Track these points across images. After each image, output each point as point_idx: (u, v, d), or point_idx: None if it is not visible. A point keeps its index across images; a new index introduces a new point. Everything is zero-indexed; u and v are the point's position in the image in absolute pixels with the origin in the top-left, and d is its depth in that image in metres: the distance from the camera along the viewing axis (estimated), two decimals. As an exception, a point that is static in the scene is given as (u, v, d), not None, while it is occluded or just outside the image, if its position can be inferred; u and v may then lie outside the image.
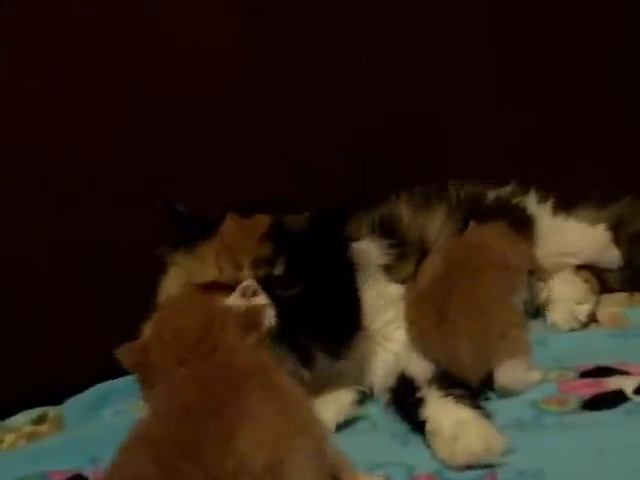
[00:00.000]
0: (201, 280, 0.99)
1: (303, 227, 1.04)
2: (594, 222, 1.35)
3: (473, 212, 1.26)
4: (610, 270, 1.33)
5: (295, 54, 1.36)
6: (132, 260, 1.23)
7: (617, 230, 1.35)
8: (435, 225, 1.25)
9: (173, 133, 1.30)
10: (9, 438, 1.14)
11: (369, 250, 1.13)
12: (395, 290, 1.14)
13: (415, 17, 1.41)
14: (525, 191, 1.35)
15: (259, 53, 1.34)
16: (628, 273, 1.33)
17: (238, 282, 0.98)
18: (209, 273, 0.99)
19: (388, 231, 1.22)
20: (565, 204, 1.37)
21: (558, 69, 1.46)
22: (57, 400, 1.20)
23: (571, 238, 1.33)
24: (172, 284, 1.03)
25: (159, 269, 1.07)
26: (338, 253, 1.05)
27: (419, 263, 1.18)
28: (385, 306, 1.11)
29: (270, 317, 0.96)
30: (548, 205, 1.35)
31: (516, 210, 1.31)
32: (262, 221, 1.03)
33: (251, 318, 0.86)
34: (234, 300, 0.95)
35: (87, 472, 1.00)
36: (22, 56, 1.22)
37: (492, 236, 1.16)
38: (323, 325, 0.99)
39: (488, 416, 0.94)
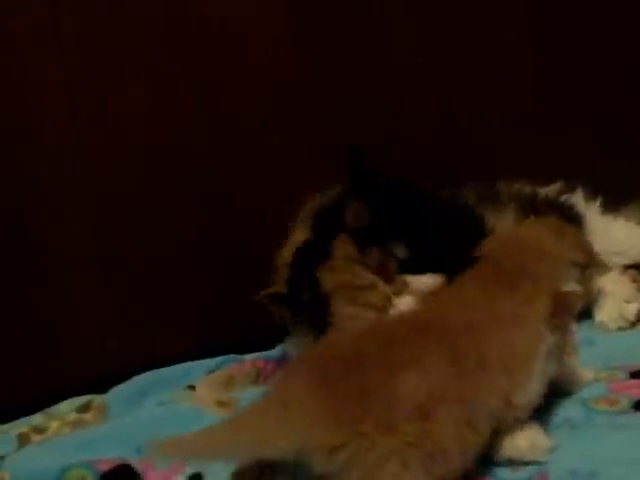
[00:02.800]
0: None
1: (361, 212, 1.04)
2: (641, 222, 1.34)
3: (526, 209, 1.25)
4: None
5: (337, 44, 1.36)
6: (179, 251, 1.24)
7: (667, 229, 1.34)
8: (491, 220, 1.22)
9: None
10: (54, 425, 1.14)
11: None
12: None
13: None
14: (571, 189, 1.33)
15: (302, 41, 1.34)
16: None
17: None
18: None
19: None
20: (610, 203, 1.36)
21: (605, 60, 1.45)
22: (101, 389, 1.21)
23: (620, 237, 1.31)
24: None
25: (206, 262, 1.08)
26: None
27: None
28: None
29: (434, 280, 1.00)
30: (596, 203, 1.33)
31: (565, 208, 1.30)
32: (343, 243, 1.03)
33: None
34: None
35: (133, 461, 1.00)
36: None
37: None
38: None
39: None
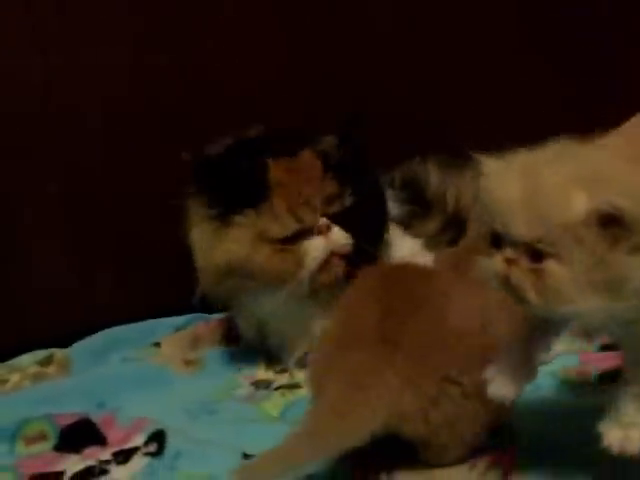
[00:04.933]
0: (280, 234, 0.99)
1: (338, 151, 1.04)
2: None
3: None
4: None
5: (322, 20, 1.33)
6: (146, 207, 1.21)
7: None
8: (469, 193, 1.20)
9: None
10: (14, 378, 1.12)
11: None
12: (411, 244, 1.13)
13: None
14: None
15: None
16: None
17: (319, 226, 1.01)
18: (290, 225, 0.99)
19: (411, 189, 1.20)
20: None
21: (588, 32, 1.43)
22: (64, 343, 1.18)
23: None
24: (239, 245, 1.00)
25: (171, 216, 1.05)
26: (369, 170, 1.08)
27: (445, 227, 1.16)
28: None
29: (344, 237, 1.01)
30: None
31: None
32: (309, 158, 1.02)
33: None
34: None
35: (93, 416, 0.98)
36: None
37: None
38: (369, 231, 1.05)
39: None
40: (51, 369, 1.13)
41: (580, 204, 0.60)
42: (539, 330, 0.72)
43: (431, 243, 1.14)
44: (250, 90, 1.27)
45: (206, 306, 1.13)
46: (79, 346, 1.18)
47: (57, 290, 1.23)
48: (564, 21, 1.41)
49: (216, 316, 1.21)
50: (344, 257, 1.02)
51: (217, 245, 1.01)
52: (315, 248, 1.00)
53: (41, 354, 1.16)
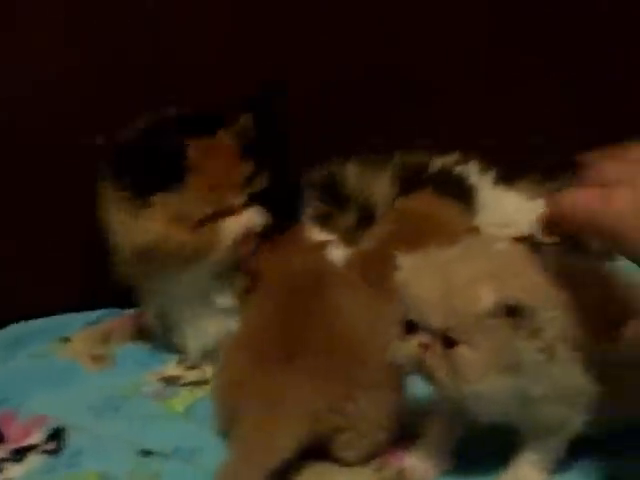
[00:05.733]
0: (197, 214, 0.99)
1: (255, 129, 1.04)
2: (534, 195, 1.36)
3: (416, 180, 1.25)
4: (547, 243, 1.33)
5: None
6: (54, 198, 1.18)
7: (556, 206, 1.36)
8: (381, 191, 1.23)
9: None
10: None
11: None
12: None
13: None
14: (467, 161, 1.34)
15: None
16: (563, 248, 1.33)
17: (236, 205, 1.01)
18: (208, 206, 1.00)
19: (329, 187, 1.21)
20: (507, 178, 1.37)
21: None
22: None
23: (510, 209, 1.32)
24: (157, 225, 0.99)
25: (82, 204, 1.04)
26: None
27: (360, 223, 1.18)
28: None
29: (260, 217, 1.02)
30: (490, 176, 1.34)
31: (458, 179, 1.30)
32: (226, 138, 1.02)
33: None
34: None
35: (-5, 412, 0.96)
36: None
37: None
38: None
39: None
40: (-45, 365, 1.11)
41: (487, 297, 0.69)
42: (450, 421, 0.80)
43: (347, 238, 1.16)
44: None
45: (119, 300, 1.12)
46: (-14, 341, 1.15)
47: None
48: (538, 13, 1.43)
49: (129, 312, 1.20)
50: (259, 235, 1.03)
51: (135, 226, 1.00)
52: (233, 227, 1.01)
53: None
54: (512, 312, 0.70)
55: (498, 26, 1.43)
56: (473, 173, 1.33)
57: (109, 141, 1.01)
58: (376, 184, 1.23)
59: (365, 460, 0.83)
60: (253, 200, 1.03)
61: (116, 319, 1.20)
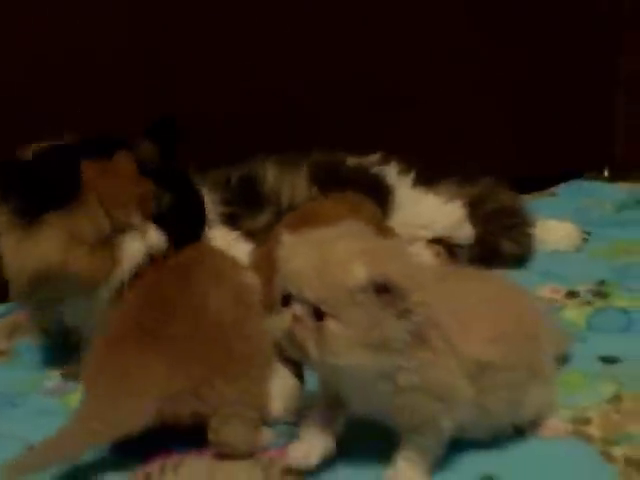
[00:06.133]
0: (93, 235, 0.97)
1: (154, 154, 1.04)
2: (452, 198, 1.37)
3: (331, 178, 1.25)
4: (462, 246, 1.35)
5: None
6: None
7: (474, 208, 1.37)
8: (297, 190, 1.23)
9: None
10: None
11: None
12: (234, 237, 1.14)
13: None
14: (387, 162, 1.35)
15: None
16: (479, 251, 1.35)
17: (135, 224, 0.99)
18: (104, 225, 0.97)
19: (246, 186, 1.21)
20: (428, 181, 1.39)
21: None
22: None
23: (427, 211, 1.33)
24: (52, 248, 0.96)
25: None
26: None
27: (276, 221, 1.16)
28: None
29: (160, 239, 1.00)
30: (409, 177, 1.35)
31: (374, 179, 1.31)
32: (125, 159, 1.01)
33: None
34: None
35: None
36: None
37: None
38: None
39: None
40: None
41: (360, 274, 0.72)
42: (331, 407, 0.82)
43: (262, 237, 1.15)
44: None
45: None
46: None
47: None
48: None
49: (37, 306, 1.18)
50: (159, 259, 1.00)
51: (28, 251, 0.97)
52: (131, 248, 0.99)
53: None
54: (382, 290, 0.72)
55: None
56: (392, 174, 1.34)
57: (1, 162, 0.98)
58: (293, 183, 1.23)
59: (242, 448, 0.84)
60: (155, 222, 1.01)
61: (23, 313, 1.17)
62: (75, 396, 0.98)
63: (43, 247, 0.96)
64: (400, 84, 1.50)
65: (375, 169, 1.32)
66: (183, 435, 0.86)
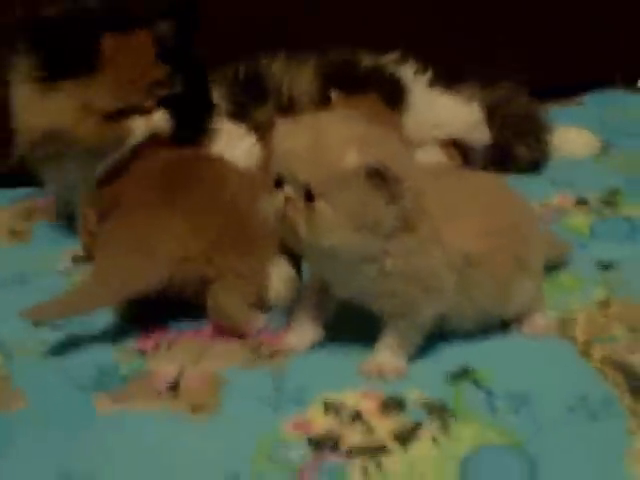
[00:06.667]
0: (106, 107, 1.00)
1: (171, 33, 1.04)
2: (470, 100, 1.36)
3: (343, 77, 1.25)
4: (476, 149, 1.35)
5: None
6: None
7: (491, 112, 1.36)
8: (302, 86, 1.23)
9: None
10: None
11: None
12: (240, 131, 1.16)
13: None
14: (404, 61, 1.33)
15: None
16: (493, 154, 1.35)
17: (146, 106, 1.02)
18: (116, 101, 1.00)
19: (253, 81, 1.21)
20: (447, 81, 1.37)
21: None
22: None
23: (442, 111, 1.32)
24: (64, 112, 1.00)
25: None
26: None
27: (278, 114, 1.15)
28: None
29: (165, 121, 1.03)
30: (425, 77, 1.33)
31: (390, 79, 1.30)
32: (144, 38, 1.02)
33: None
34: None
35: None
36: None
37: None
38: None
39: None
40: None
41: (352, 158, 0.73)
42: (320, 294, 0.85)
43: (264, 128, 1.15)
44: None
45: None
46: None
47: None
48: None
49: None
50: (163, 142, 1.03)
51: (41, 109, 1.01)
52: (137, 127, 1.02)
53: None
54: (374, 175, 0.73)
55: None
56: (408, 73, 1.33)
57: (30, 15, 1.00)
58: (298, 79, 1.22)
59: (236, 318, 0.89)
60: (162, 104, 1.03)
61: (40, 199, 1.22)
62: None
63: (56, 110, 1.00)
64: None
65: (391, 68, 1.31)
66: (184, 311, 0.91)
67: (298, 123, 0.78)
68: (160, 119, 1.03)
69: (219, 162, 1.01)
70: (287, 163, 0.76)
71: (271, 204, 0.77)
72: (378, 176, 0.73)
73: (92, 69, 1.00)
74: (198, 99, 1.08)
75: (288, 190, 0.76)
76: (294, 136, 0.77)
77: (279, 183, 0.77)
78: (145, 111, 1.02)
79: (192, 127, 1.06)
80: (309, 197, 0.75)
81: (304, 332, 0.85)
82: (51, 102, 1.00)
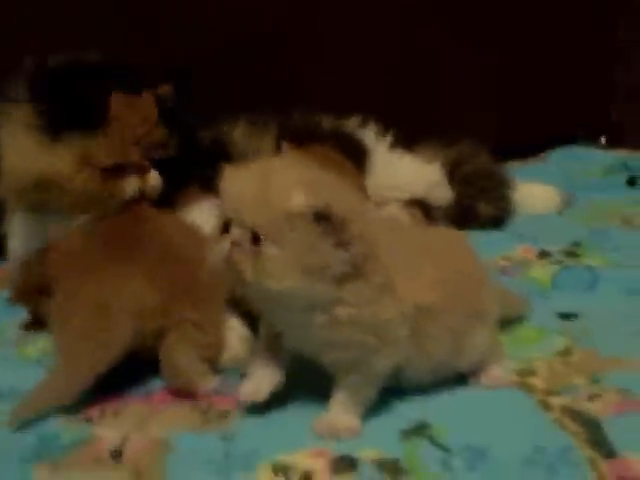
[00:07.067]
0: (106, 162, 1.00)
1: (173, 100, 1.07)
2: (430, 160, 1.37)
3: (305, 139, 1.24)
4: (439, 208, 1.34)
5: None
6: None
7: (452, 170, 1.37)
8: (265, 149, 1.23)
9: None
10: None
11: None
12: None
13: None
14: (365, 125, 1.35)
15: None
16: (456, 212, 1.35)
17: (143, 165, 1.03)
18: (116, 158, 1.00)
19: (216, 148, 1.21)
20: (408, 141, 1.38)
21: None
22: None
23: (404, 172, 1.33)
24: (62, 162, 0.99)
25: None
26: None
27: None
28: None
29: (158, 182, 1.03)
30: (386, 140, 1.35)
31: (351, 140, 1.31)
32: (149, 99, 1.04)
33: None
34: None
35: None
36: None
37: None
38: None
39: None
40: None
41: (299, 200, 0.72)
42: (273, 347, 0.82)
43: None
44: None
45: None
46: None
47: None
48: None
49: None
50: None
51: (37, 156, 1.00)
52: (130, 186, 1.01)
53: None
54: (321, 217, 0.72)
55: None
56: (369, 136, 1.34)
57: (38, 64, 1.01)
58: (261, 145, 1.23)
59: (188, 374, 0.87)
60: (155, 166, 1.03)
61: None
62: (32, 347, 1.00)
63: (54, 158, 0.99)
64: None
65: (352, 131, 1.32)
66: (135, 374, 0.89)
67: (246, 168, 0.77)
68: (153, 179, 1.03)
69: (164, 217, 1.01)
70: (234, 206, 0.75)
71: (219, 249, 0.76)
72: (324, 219, 0.72)
73: (98, 124, 1.00)
74: (187, 164, 1.07)
75: (235, 233, 0.75)
76: (242, 180, 0.76)
77: (227, 228, 0.76)
78: (141, 170, 1.02)
79: (175, 190, 1.06)
80: (256, 240, 0.74)
81: (261, 381, 0.82)
82: (50, 150, 0.99)
